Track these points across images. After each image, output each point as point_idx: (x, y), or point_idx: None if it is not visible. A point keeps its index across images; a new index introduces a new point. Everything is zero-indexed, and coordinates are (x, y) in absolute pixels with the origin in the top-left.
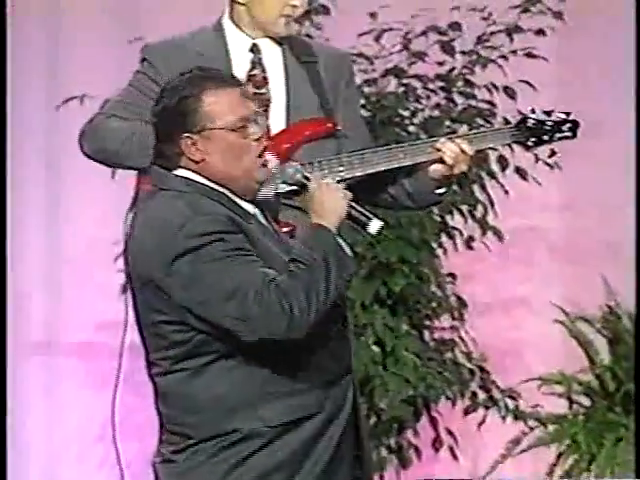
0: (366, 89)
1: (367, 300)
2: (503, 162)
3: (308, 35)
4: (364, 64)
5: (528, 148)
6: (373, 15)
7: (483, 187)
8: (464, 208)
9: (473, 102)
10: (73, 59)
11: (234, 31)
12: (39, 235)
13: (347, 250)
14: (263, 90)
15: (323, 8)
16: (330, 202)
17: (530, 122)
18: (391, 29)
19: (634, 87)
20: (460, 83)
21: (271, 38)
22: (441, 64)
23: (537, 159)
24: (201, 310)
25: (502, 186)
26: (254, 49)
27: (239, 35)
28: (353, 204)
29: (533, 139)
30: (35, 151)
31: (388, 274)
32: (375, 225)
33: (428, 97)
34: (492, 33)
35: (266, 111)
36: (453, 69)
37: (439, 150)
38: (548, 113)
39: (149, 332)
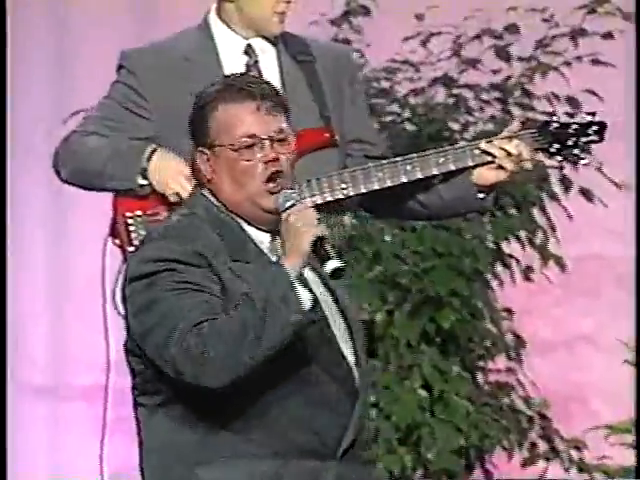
0: (412, 100)
1: (413, 338)
2: (566, 182)
3: (346, 40)
4: (409, 72)
5: (551, 155)
6: (420, 17)
7: (543, 210)
8: (522, 234)
9: (531, 114)
10: (81, 66)
11: (224, 30)
12: (40, 268)
13: (301, 292)
14: None
15: (363, 9)
16: (294, 234)
17: (552, 126)
18: (440, 33)
19: None
20: (517, 93)
21: (264, 37)
22: (496, 72)
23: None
24: (140, 342)
25: (565, 209)
26: (248, 51)
27: (230, 35)
28: (324, 238)
29: (557, 145)
30: (36, 171)
31: (436, 309)
32: (331, 265)
33: (481, 109)
34: (554, 37)
35: None
36: (509, 77)
37: (490, 154)
38: (572, 115)
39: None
